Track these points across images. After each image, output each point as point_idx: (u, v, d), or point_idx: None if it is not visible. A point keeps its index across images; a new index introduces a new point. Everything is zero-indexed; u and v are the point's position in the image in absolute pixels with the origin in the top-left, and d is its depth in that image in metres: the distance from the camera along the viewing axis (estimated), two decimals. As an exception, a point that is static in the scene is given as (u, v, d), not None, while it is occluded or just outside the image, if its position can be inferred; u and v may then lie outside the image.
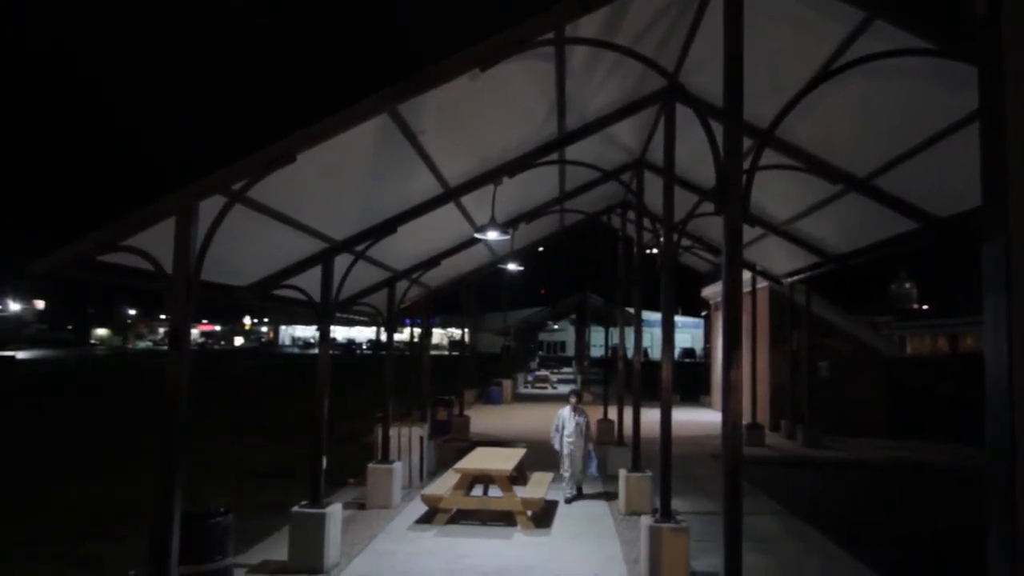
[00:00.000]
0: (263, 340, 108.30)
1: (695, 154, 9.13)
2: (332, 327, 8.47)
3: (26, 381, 35.96)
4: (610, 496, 10.93)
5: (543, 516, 9.62)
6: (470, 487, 9.78)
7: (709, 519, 9.48)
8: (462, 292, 20.58)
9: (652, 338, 57.91)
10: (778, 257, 14.00)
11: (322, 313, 8.09)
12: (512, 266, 12.99)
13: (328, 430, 8.07)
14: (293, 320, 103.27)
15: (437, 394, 17.01)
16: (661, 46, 6.96)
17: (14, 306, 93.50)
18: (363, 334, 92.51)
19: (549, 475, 10.64)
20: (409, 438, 11.81)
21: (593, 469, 10.93)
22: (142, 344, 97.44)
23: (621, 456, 12.13)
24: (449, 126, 6.82)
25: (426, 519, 9.53)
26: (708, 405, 26.06)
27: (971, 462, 15.08)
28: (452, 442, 15.29)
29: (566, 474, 10.74)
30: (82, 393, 29.53)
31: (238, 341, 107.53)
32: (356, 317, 12.19)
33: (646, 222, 11.86)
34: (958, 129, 6.06)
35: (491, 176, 7.98)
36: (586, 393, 29.53)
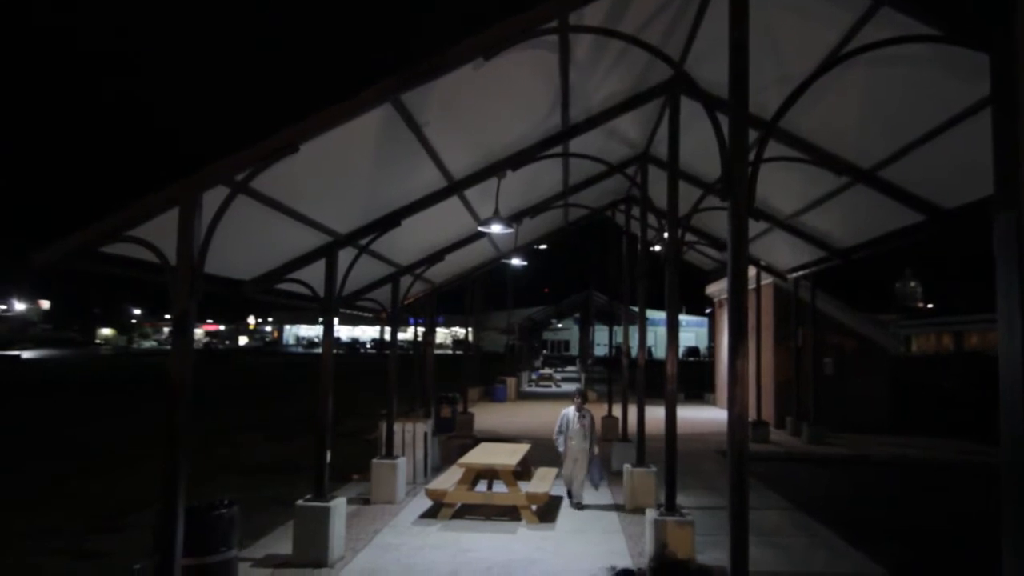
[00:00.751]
0: (267, 340, 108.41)
1: (699, 148, 9.13)
2: (336, 327, 8.45)
3: (31, 380, 36.05)
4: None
5: (547, 511, 9.60)
6: (474, 482, 9.76)
7: (714, 514, 9.45)
8: (466, 289, 20.58)
9: (656, 337, 57.94)
10: (783, 252, 13.96)
11: (326, 307, 8.07)
12: (516, 261, 12.95)
13: (332, 427, 8.05)
14: (297, 319, 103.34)
15: (441, 392, 17.01)
16: (666, 37, 6.92)
17: (19, 306, 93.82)
18: (367, 333, 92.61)
19: (553, 470, 10.61)
20: (413, 434, 11.80)
21: (595, 476, 9.98)
22: (147, 344, 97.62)
23: (625, 452, 12.10)
24: (453, 118, 6.80)
25: (430, 514, 9.52)
26: (712, 403, 26.00)
27: (977, 458, 15.04)
28: (456, 439, 15.26)
29: (573, 481, 10.04)
30: (87, 391, 29.59)
31: (242, 340, 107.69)
32: (360, 314, 12.16)
33: (651, 219, 11.85)
34: (964, 118, 6.01)
35: (495, 169, 7.96)
36: (590, 391, 29.51)
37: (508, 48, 5.11)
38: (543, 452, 11.95)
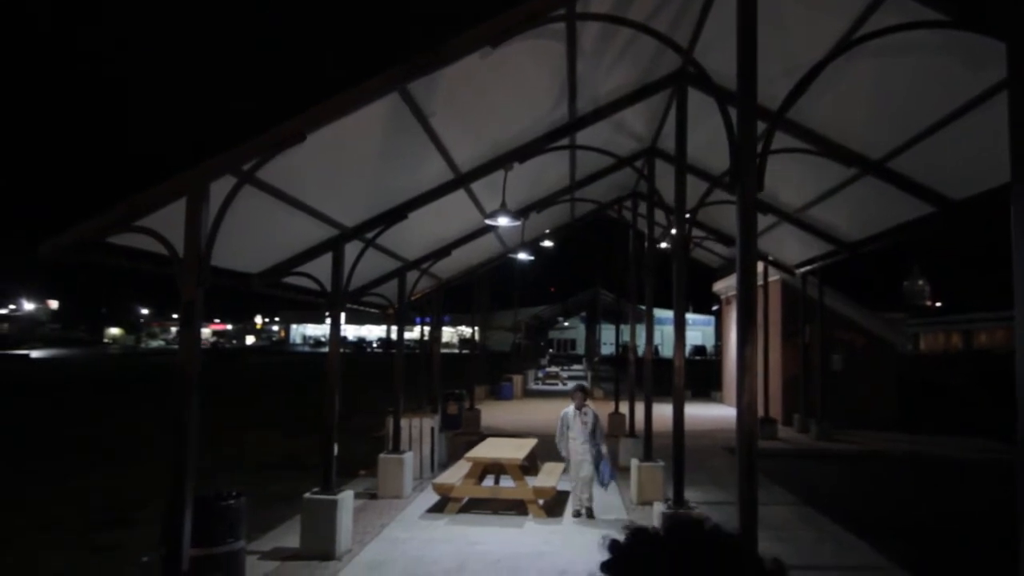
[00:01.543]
0: (274, 339, 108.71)
1: (707, 142, 9.09)
2: (343, 326, 8.46)
3: (40, 378, 36.21)
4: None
5: (554, 505, 9.58)
6: (481, 476, 9.76)
7: (722, 508, 9.41)
8: (473, 286, 20.57)
9: (663, 336, 57.74)
10: (791, 247, 13.90)
11: (332, 302, 8.07)
12: (523, 256, 12.93)
13: (339, 422, 8.05)
14: (304, 319, 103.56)
15: (447, 390, 17.01)
16: (673, 27, 6.89)
17: (28, 306, 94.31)
18: (373, 333, 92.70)
19: (560, 465, 10.57)
20: (420, 429, 11.79)
21: (605, 475, 9.03)
22: (155, 343, 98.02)
23: (632, 448, 12.10)
24: (459, 109, 6.79)
25: (438, 508, 9.51)
26: (720, 401, 25.93)
27: (988, 455, 14.95)
28: (463, 436, 15.25)
29: (580, 486, 9.18)
30: (95, 389, 29.70)
31: (249, 340, 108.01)
32: (367, 309, 12.17)
33: (659, 215, 11.80)
34: (973, 107, 5.96)
35: (502, 161, 7.94)
36: (597, 389, 29.46)
37: (515, 36, 5.09)
38: (549, 448, 11.90)
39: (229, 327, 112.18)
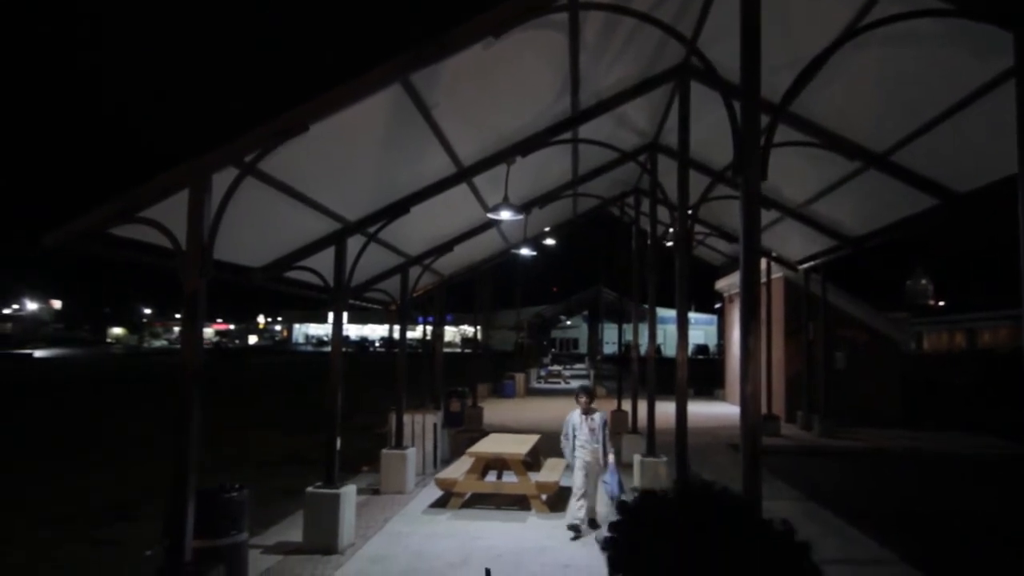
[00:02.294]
0: (277, 338, 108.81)
1: (709, 136, 9.07)
2: (345, 325, 8.44)
3: (42, 377, 36.27)
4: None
5: (557, 500, 9.56)
6: (484, 472, 9.74)
7: (725, 503, 9.38)
8: (475, 282, 20.56)
9: (666, 335, 57.70)
10: (793, 242, 13.87)
11: (335, 297, 8.06)
12: (525, 251, 12.92)
13: (342, 422, 8.04)
14: (306, 318, 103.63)
15: (450, 387, 16.98)
16: (676, 18, 6.87)
17: (31, 305, 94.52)
18: (376, 332, 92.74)
19: (563, 461, 10.54)
20: (423, 425, 11.78)
21: (614, 487, 8.07)
22: (157, 343, 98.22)
23: (635, 443, 12.10)
24: (462, 102, 6.77)
25: (440, 503, 9.50)
26: (722, 399, 25.90)
27: (990, 451, 14.93)
28: (465, 432, 15.23)
29: (578, 497, 8.22)
30: (97, 387, 29.74)
31: (252, 340, 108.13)
32: (370, 305, 12.15)
33: (662, 213, 11.80)
34: (977, 97, 5.94)
35: (504, 155, 7.93)
36: (600, 387, 29.44)
37: (518, 26, 5.08)
38: (552, 444, 11.88)
39: (232, 327, 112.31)
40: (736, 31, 4.76)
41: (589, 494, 8.27)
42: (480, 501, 9.61)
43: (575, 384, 32.55)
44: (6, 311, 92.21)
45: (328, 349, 8.25)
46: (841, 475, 12.94)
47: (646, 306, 11.15)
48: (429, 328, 18.74)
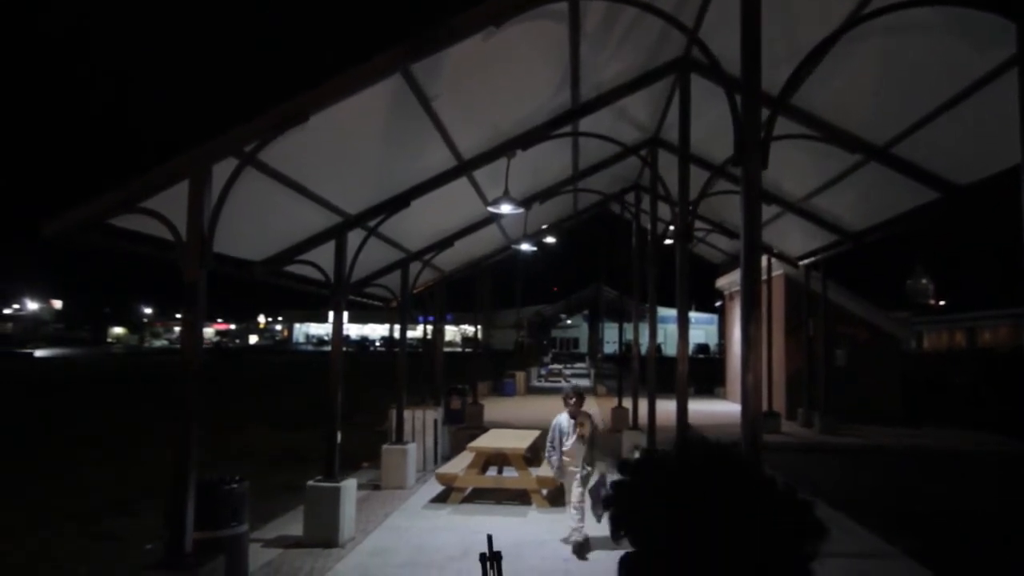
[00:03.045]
0: (277, 338, 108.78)
1: (710, 132, 9.08)
2: (346, 325, 8.43)
3: (42, 376, 36.25)
4: None
5: (558, 495, 9.52)
6: (485, 467, 9.74)
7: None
8: (476, 279, 20.55)
9: (666, 334, 57.71)
10: (794, 238, 13.87)
11: (335, 290, 8.05)
12: (525, 246, 12.91)
13: (342, 419, 8.03)
14: (307, 318, 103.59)
15: (451, 384, 16.97)
16: (677, 11, 6.86)
17: (32, 305, 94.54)
18: (376, 332, 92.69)
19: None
20: (424, 421, 11.78)
21: (600, 508, 6.93)
22: (158, 343, 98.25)
23: (635, 439, 12.11)
24: (462, 94, 6.77)
25: (441, 498, 9.50)
26: (723, 397, 25.89)
27: (991, 448, 14.92)
28: (466, 430, 15.23)
29: (574, 511, 7.40)
30: (97, 387, 29.73)
31: (253, 339, 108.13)
32: (370, 302, 12.13)
33: (662, 210, 11.78)
34: (980, 88, 5.93)
35: (504, 148, 7.92)
36: (600, 386, 29.44)
37: (519, 15, 5.07)
38: (553, 440, 11.90)
39: (232, 326, 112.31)
40: (737, 23, 4.75)
41: (577, 504, 7.39)
42: (480, 496, 9.60)
43: (576, 383, 32.65)
44: (6, 311, 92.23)
45: (328, 349, 8.23)
46: (841, 472, 12.92)
47: (646, 305, 11.13)
48: (429, 328, 18.72)
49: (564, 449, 7.47)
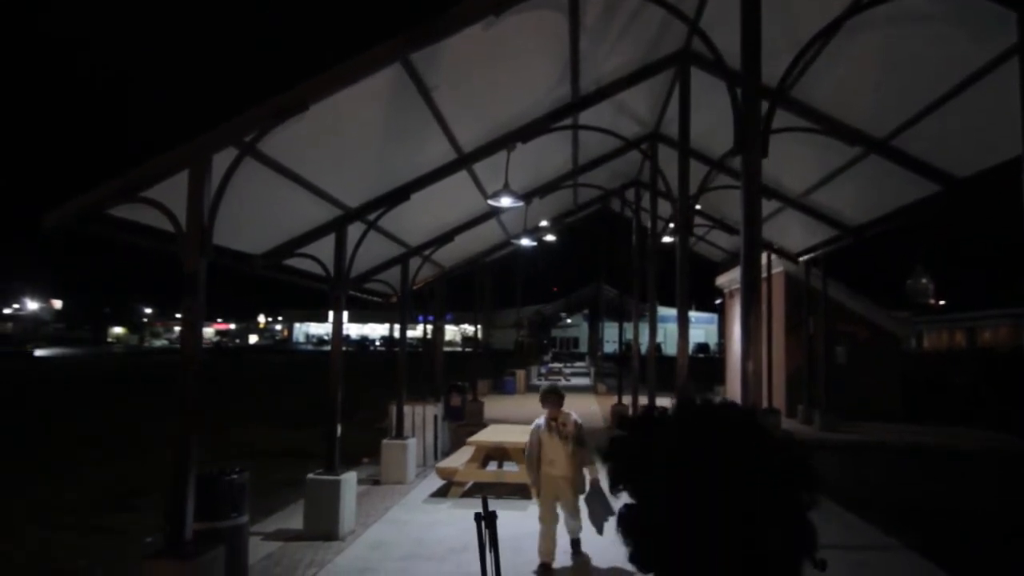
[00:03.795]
0: (277, 337, 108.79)
1: (710, 127, 9.07)
2: (346, 324, 8.43)
3: (41, 374, 36.25)
4: None
5: (558, 490, 9.54)
6: (485, 461, 9.73)
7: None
8: (475, 276, 20.55)
9: (666, 334, 57.69)
10: (794, 234, 13.87)
11: (336, 285, 8.05)
12: (526, 241, 12.90)
13: (342, 417, 8.03)
14: (306, 317, 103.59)
15: (451, 382, 16.96)
16: (677, 1, 6.87)
17: (32, 305, 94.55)
18: (376, 331, 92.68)
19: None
20: (424, 416, 11.78)
21: (601, 515, 5.99)
22: (158, 343, 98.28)
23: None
24: (462, 86, 6.76)
25: (441, 493, 9.49)
26: (723, 395, 25.88)
27: (991, 445, 14.91)
28: (466, 427, 15.23)
29: (545, 537, 6.60)
30: (96, 385, 29.73)
31: (253, 339, 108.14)
32: (371, 298, 12.13)
33: (664, 207, 11.77)
34: (979, 78, 5.93)
35: (504, 142, 7.92)
36: (600, 384, 29.42)
37: (519, 4, 5.07)
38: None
39: (232, 326, 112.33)
40: (736, 15, 4.76)
41: (568, 516, 6.66)
42: (481, 490, 9.58)
43: (576, 381, 32.63)
44: (6, 311, 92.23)
45: (328, 348, 8.23)
46: (842, 468, 12.90)
47: (646, 304, 11.13)
48: (429, 328, 18.72)
49: (549, 459, 6.40)
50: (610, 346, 63.15)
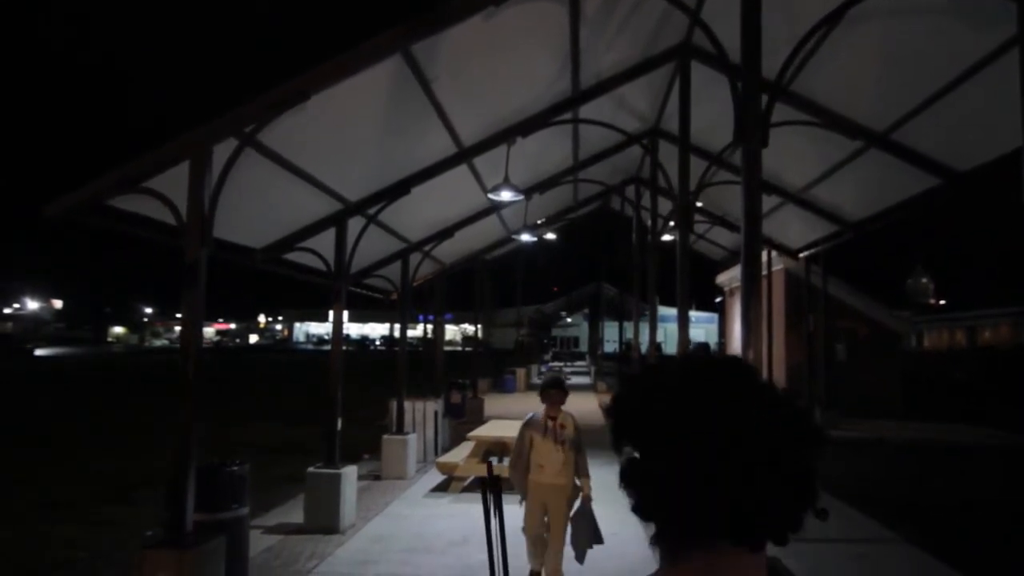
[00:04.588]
0: (277, 337, 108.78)
1: (710, 122, 9.06)
2: (346, 324, 8.43)
3: (41, 373, 36.26)
4: None
5: (559, 484, 9.54)
6: (485, 457, 9.72)
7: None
8: (475, 277, 20.55)
9: (666, 333, 57.65)
10: (794, 229, 13.83)
11: (336, 279, 8.05)
12: (526, 237, 12.91)
13: (342, 415, 8.03)
14: (307, 317, 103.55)
15: (451, 379, 16.95)
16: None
17: (32, 305, 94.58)
18: (377, 331, 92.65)
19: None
20: (424, 412, 11.78)
21: (585, 540, 5.43)
22: (158, 342, 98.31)
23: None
24: (462, 79, 6.76)
25: (441, 488, 9.50)
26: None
27: (991, 441, 14.92)
28: (466, 424, 15.22)
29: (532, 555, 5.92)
30: (95, 383, 29.74)
31: (253, 339, 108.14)
32: (371, 294, 12.13)
33: (664, 205, 11.75)
34: (979, 70, 5.91)
35: (504, 135, 7.92)
36: (600, 383, 29.41)
37: (519, -5, 5.07)
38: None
39: (233, 326, 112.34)
40: (737, 8, 4.76)
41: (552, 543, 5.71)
42: (480, 485, 9.58)
43: (576, 380, 32.61)
44: (7, 310, 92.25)
45: (328, 348, 8.24)
46: (843, 464, 12.90)
47: (647, 304, 11.13)
48: (429, 327, 18.71)
49: (539, 464, 5.63)
50: (610, 345, 63.16)
